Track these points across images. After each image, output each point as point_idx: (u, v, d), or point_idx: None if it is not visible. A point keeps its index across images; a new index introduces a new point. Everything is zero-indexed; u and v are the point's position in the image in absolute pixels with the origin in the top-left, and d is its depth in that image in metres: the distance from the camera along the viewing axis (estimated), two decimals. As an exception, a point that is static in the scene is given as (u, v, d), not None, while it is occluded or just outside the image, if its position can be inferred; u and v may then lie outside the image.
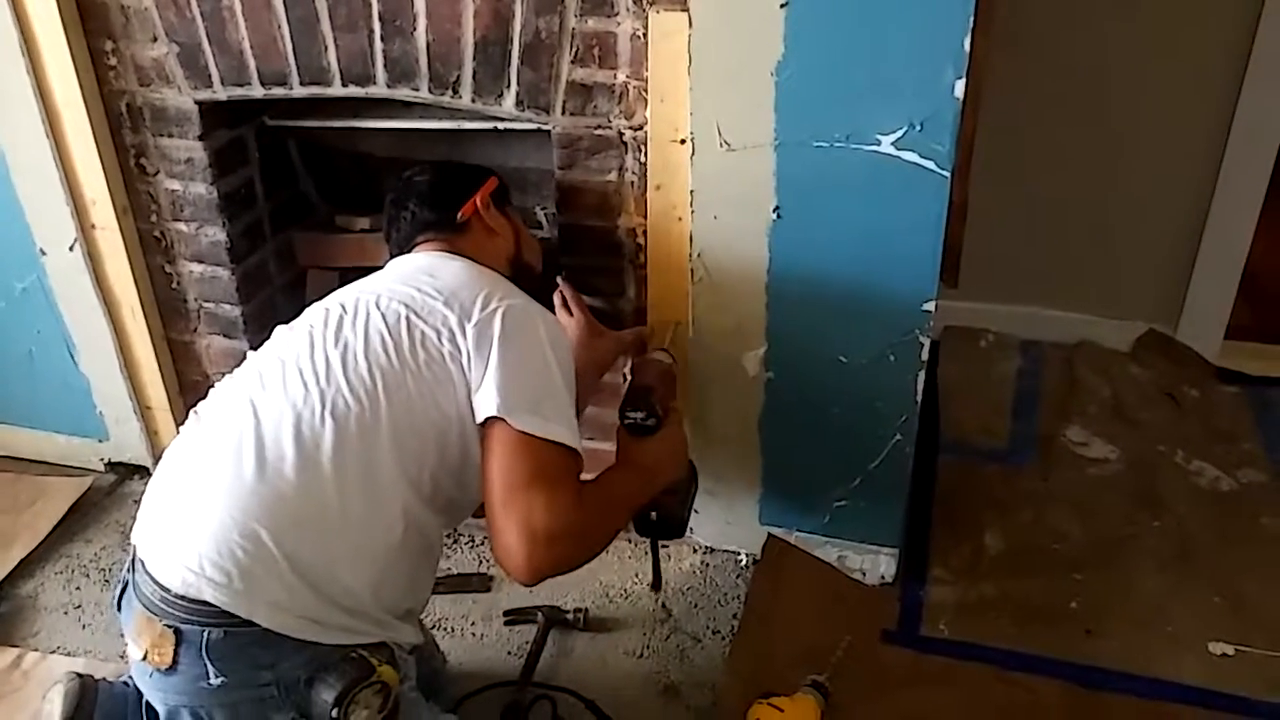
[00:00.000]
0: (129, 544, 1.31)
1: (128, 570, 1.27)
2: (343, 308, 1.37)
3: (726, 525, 1.90)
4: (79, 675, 1.39)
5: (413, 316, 1.33)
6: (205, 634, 1.17)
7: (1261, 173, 2.31)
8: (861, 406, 1.70)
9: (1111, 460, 2.20)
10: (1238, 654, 1.72)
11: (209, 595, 1.16)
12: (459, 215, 1.53)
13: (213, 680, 1.18)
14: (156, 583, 1.20)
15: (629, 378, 1.73)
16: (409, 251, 1.53)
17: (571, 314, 1.71)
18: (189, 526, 1.21)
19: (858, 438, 1.73)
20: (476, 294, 1.35)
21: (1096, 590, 1.85)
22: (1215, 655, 1.72)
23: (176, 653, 1.18)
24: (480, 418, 1.28)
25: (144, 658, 1.21)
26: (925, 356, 1.62)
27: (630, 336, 1.75)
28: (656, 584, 1.74)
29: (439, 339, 1.31)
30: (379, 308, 1.35)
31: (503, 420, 1.26)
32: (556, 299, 1.74)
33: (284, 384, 1.28)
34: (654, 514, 1.55)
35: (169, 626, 1.18)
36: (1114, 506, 2.06)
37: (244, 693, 1.19)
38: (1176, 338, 2.52)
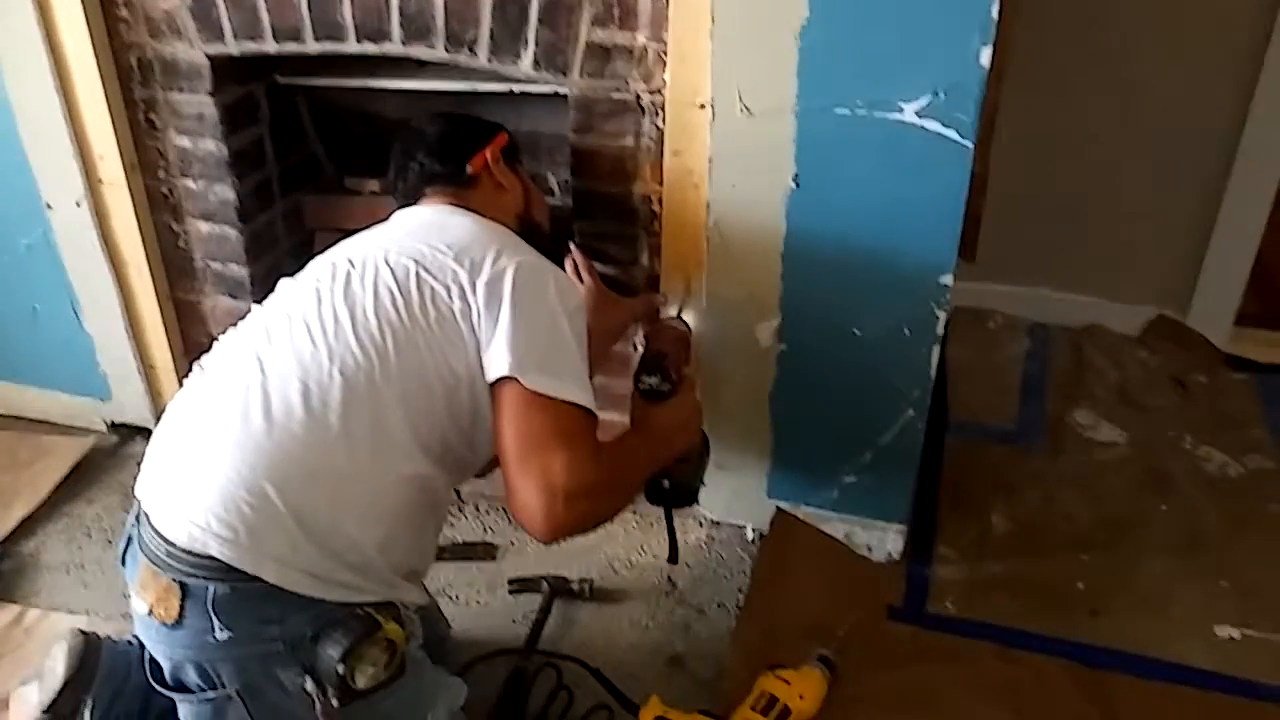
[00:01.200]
0: (131, 503, 1.29)
1: (132, 524, 1.26)
2: (350, 263, 1.34)
3: (734, 498, 1.89)
4: (83, 632, 1.38)
5: (422, 272, 1.30)
6: (211, 589, 1.16)
7: (1276, 162, 2.29)
8: (875, 381, 1.68)
9: (1119, 444, 2.20)
10: (1243, 638, 1.71)
11: (215, 550, 1.15)
12: (468, 169, 1.50)
13: (218, 635, 1.16)
14: (162, 537, 1.18)
15: (643, 343, 1.71)
16: (415, 204, 1.50)
17: (583, 280, 1.70)
18: (195, 481, 1.19)
19: (870, 413, 1.72)
20: (487, 250, 1.33)
21: (1103, 572, 1.84)
22: (1221, 638, 1.71)
23: (182, 607, 1.17)
24: (492, 377, 1.26)
25: (149, 612, 1.19)
26: (941, 331, 1.61)
27: (641, 304, 1.73)
28: (673, 556, 1.67)
29: (449, 295, 1.28)
30: (388, 263, 1.32)
31: (515, 380, 1.24)
32: (568, 265, 1.71)
33: (291, 339, 1.26)
34: (666, 482, 1.53)
35: (175, 581, 1.17)
36: (1121, 490, 2.06)
37: (250, 648, 1.18)
38: (1186, 323, 2.51)
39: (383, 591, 1.26)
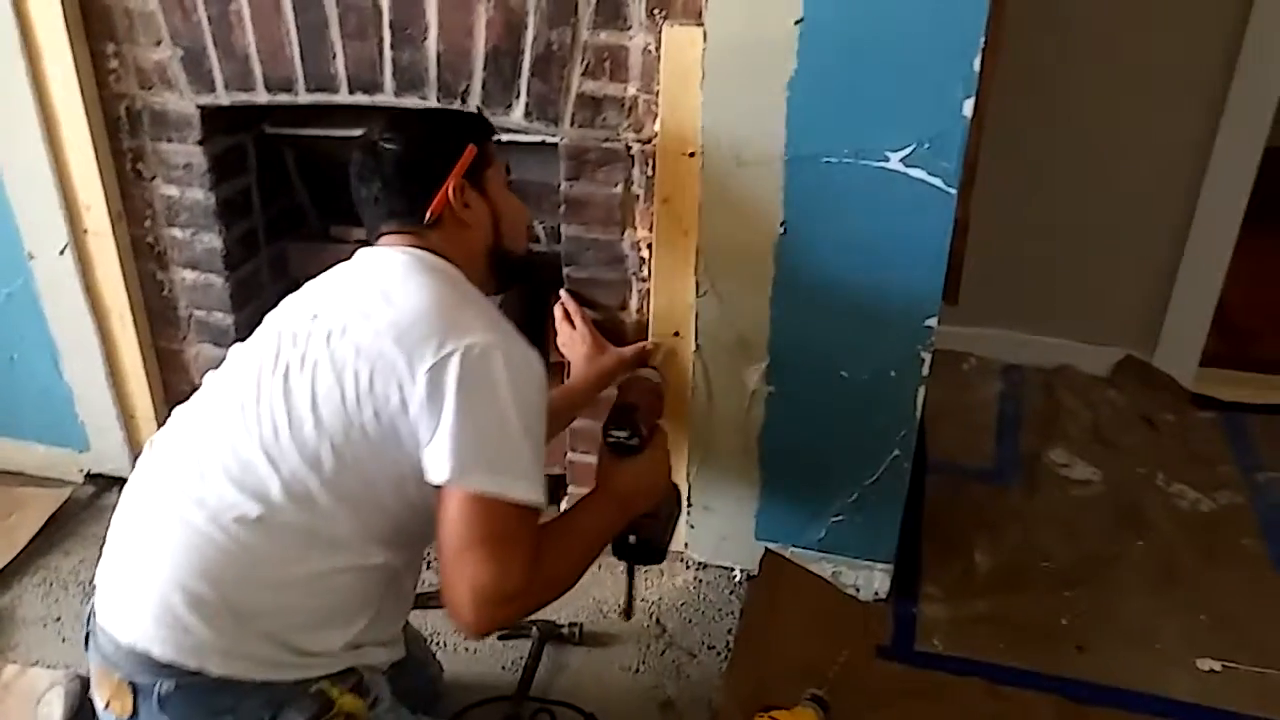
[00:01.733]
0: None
1: (88, 618, 1.25)
2: (294, 342, 1.25)
3: (722, 540, 1.90)
4: (80, 676, 1.35)
5: (361, 366, 1.20)
6: (158, 686, 1.15)
7: (1235, 210, 2.38)
8: (862, 422, 1.71)
9: (1094, 481, 2.24)
10: (1225, 670, 1.75)
11: (156, 652, 1.14)
12: (427, 215, 1.33)
13: None
14: (108, 634, 1.18)
15: (615, 394, 1.64)
16: (376, 239, 1.37)
17: (574, 327, 1.70)
18: (135, 580, 1.18)
19: (857, 453, 1.75)
20: (431, 331, 1.20)
21: (1085, 608, 1.87)
22: (1203, 671, 1.75)
23: (135, 703, 1.16)
24: (433, 480, 1.19)
25: (106, 706, 1.19)
26: (926, 372, 1.64)
27: (631, 353, 1.74)
28: (628, 612, 1.61)
29: (387, 390, 1.18)
30: (329, 352, 1.22)
31: (453, 480, 1.18)
32: (558, 311, 1.72)
33: (232, 439, 1.21)
34: (632, 537, 1.47)
35: (125, 680, 1.16)
36: (1099, 526, 2.10)
37: None
38: (1153, 364, 2.57)
39: (342, 661, 1.24)
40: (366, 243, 1.37)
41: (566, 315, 1.71)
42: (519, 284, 1.55)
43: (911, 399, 1.67)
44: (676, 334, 1.73)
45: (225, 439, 1.22)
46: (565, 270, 1.77)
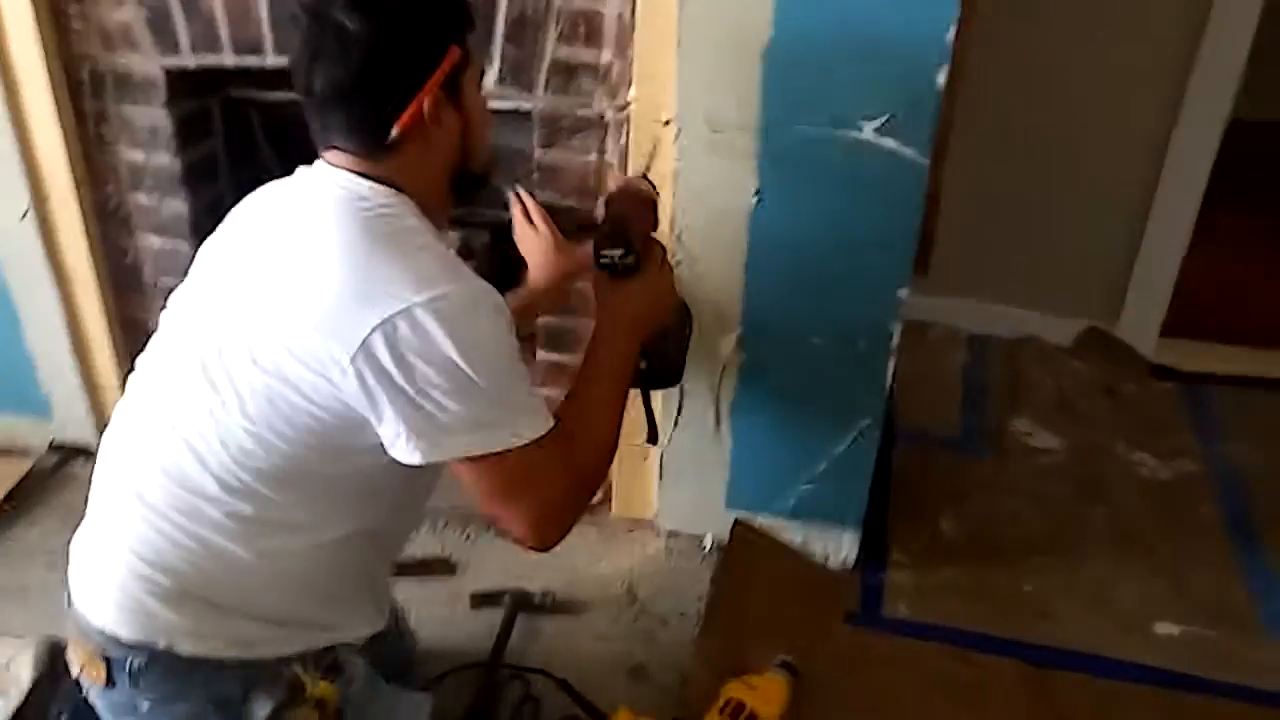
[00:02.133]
0: (72, 525, 1.25)
1: (67, 582, 1.23)
2: (218, 329, 1.15)
3: (693, 508, 1.92)
4: (49, 640, 1.34)
5: (284, 361, 1.09)
6: (130, 660, 1.14)
7: (1197, 182, 2.41)
8: (832, 391, 1.73)
9: (1057, 450, 2.28)
10: (1182, 633, 1.80)
11: (123, 634, 1.14)
12: (392, 133, 1.12)
13: (142, 704, 1.15)
14: (78, 611, 1.18)
15: (603, 209, 1.45)
16: (323, 151, 1.18)
17: (534, 226, 1.55)
18: (99, 564, 1.17)
19: (827, 422, 1.77)
20: (352, 306, 1.07)
21: (1048, 574, 1.92)
22: (1160, 635, 1.80)
23: (109, 673, 1.15)
24: (405, 462, 1.11)
25: (80, 671, 1.19)
26: (895, 342, 1.66)
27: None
28: (653, 436, 1.51)
29: (316, 382, 1.09)
30: (251, 340, 1.11)
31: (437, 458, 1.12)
32: (516, 210, 1.56)
33: (164, 434, 1.15)
34: (644, 363, 1.38)
35: (97, 652, 1.16)
36: (1062, 494, 2.14)
37: (180, 710, 1.16)
38: (1116, 335, 2.62)
39: (319, 638, 1.22)
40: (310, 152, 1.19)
41: (525, 213, 1.55)
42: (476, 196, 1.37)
43: (882, 369, 1.69)
44: (653, 150, 1.64)
45: (160, 434, 1.16)
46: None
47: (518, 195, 1.55)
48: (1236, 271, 2.97)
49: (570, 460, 1.18)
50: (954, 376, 2.56)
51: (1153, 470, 2.22)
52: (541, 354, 1.88)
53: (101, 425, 2.06)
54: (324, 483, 1.17)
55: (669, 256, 1.42)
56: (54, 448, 2.13)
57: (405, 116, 1.12)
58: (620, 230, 1.30)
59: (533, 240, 1.55)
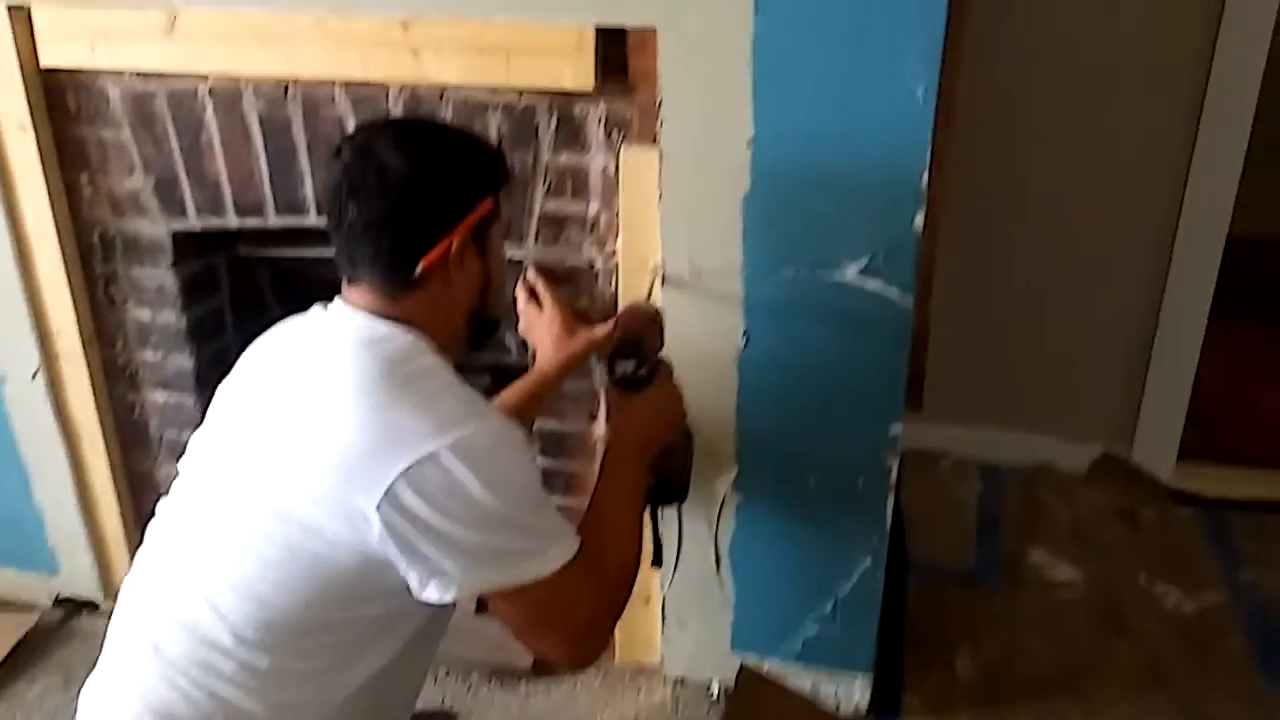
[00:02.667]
0: (73, 685, 1.26)
1: None
2: (236, 478, 1.17)
3: (697, 652, 1.87)
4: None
5: (311, 519, 1.10)
6: None
7: (1202, 301, 2.40)
8: (832, 531, 1.71)
9: (1076, 583, 2.22)
10: (1214, 778, 1.71)
11: None
12: (417, 269, 1.16)
13: None
14: None
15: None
16: (347, 283, 1.22)
17: (541, 307, 1.53)
18: (113, 713, 1.16)
19: (828, 562, 1.74)
20: (374, 453, 1.08)
21: (1069, 717, 1.84)
22: (1192, 780, 1.71)
23: None
24: (436, 602, 1.12)
25: None
26: (893, 480, 1.64)
27: (603, 332, 1.50)
28: (658, 558, 1.55)
29: (340, 530, 1.09)
30: (270, 491, 1.12)
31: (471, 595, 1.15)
32: (522, 294, 1.55)
33: (179, 583, 1.17)
34: (651, 478, 1.39)
35: None
36: (1082, 629, 2.07)
37: None
38: (1132, 460, 2.57)
39: None
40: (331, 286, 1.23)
41: (532, 296, 1.54)
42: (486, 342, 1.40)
43: (881, 507, 1.67)
44: (657, 273, 1.63)
45: (178, 585, 1.17)
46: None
47: (524, 278, 1.55)
48: (1252, 391, 2.94)
49: (598, 576, 1.20)
50: (967, 507, 2.51)
51: (1176, 602, 2.14)
52: (540, 460, 1.84)
53: (106, 580, 2.07)
54: (340, 629, 1.15)
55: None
56: (59, 602, 2.12)
57: (432, 256, 1.16)
58: (634, 344, 1.37)
59: (541, 321, 1.53)
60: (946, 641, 2.02)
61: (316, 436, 1.11)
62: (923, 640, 2.03)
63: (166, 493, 1.27)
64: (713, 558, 1.77)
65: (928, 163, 1.43)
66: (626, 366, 1.35)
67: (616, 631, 1.86)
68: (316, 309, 1.25)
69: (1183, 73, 2.21)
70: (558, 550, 1.15)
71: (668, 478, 1.46)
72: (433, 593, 1.11)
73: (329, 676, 1.16)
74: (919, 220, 1.46)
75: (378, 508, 1.07)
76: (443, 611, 1.21)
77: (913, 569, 2.25)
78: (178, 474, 1.27)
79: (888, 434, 1.61)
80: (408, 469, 1.06)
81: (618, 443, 1.34)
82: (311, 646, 1.15)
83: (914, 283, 1.51)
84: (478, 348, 1.35)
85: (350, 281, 1.21)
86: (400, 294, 1.18)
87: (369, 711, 1.22)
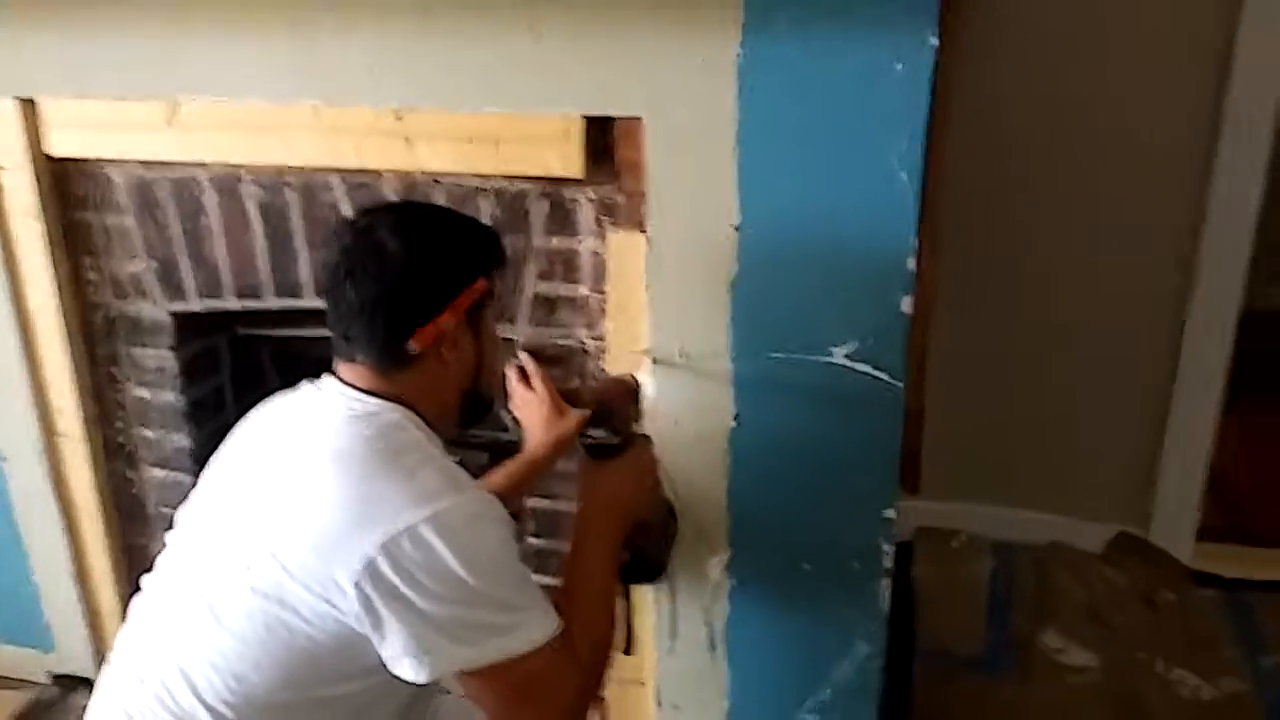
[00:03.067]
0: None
1: None
2: (216, 557, 1.18)
3: (693, 742, 1.82)
4: None
5: (288, 594, 1.11)
6: None
7: (1216, 376, 2.36)
8: (827, 615, 1.67)
9: (1091, 668, 2.15)
10: None
11: None
12: (411, 347, 1.18)
13: None
14: None
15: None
16: (335, 367, 1.25)
17: (532, 388, 1.53)
18: None
19: (825, 647, 1.69)
20: (351, 530, 1.09)
21: (1083, 813, 1.77)
22: None
23: None
24: (410, 680, 1.11)
25: None
26: (889, 564, 1.61)
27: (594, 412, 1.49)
28: (628, 647, 1.51)
29: (318, 606, 1.10)
30: (251, 571, 1.13)
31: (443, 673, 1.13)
32: (512, 374, 1.55)
33: (160, 658, 1.17)
34: (625, 554, 1.37)
35: None
36: (1096, 718, 2.00)
37: None
38: (1149, 539, 2.51)
39: None
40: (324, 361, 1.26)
41: (523, 377, 1.54)
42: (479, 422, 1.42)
43: (877, 591, 1.63)
44: (646, 352, 1.61)
45: (156, 660, 1.17)
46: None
47: (515, 359, 1.57)
48: (1272, 468, 2.87)
49: (572, 654, 1.17)
50: (979, 586, 2.45)
51: (1194, 689, 2.07)
52: (531, 540, 1.84)
53: (101, 656, 2.06)
54: (319, 708, 1.15)
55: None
56: (55, 680, 2.12)
57: (425, 335, 1.18)
58: (604, 412, 1.38)
59: (531, 402, 1.54)
60: (954, 730, 1.97)
61: (297, 510, 1.12)
62: (930, 728, 1.97)
63: (150, 569, 1.28)
64: (706, 639, 1.74)
65: (915, 246, 1.42)
66: (597, 434, 1.35)
67: (609, 717, 1.85)
68: (306, 385, 1.27)
69: (1189, 142, 2.20)
70: (534, 627, 1.14)
71: (643, 554, 1.45)
72: (407, 670, 1.10)
73: None
74: (907, 303, 1.45)
75: (355, 583, 1.07)
76: (424, 690, 1.20)
77: (921, 652, 2.20)
78: (164, 548, 1.28)
79: (881, 516, 1.58)
80: (385, 542, 1.07)
81: (586, 509, 1.33)
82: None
83: (905, 365, 1.49)
84: (470, 425, 1.36)
85: (344, 359, 1.23)
86: (393, 372, 1.20)
87: None
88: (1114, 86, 2.20)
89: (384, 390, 1.20)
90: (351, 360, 1.22)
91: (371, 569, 1.07)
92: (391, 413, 1.19)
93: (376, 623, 1.08)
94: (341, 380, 1.22)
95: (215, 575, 1.16)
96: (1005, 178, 2.28)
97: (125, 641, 1.24)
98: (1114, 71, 2.19)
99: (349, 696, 1.16)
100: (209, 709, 1.12)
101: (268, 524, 1.14)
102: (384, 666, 1.11)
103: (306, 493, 1.13)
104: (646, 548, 1.46)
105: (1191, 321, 2.34)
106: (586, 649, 1.20)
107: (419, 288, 1.18)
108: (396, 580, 1.07)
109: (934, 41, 1.33)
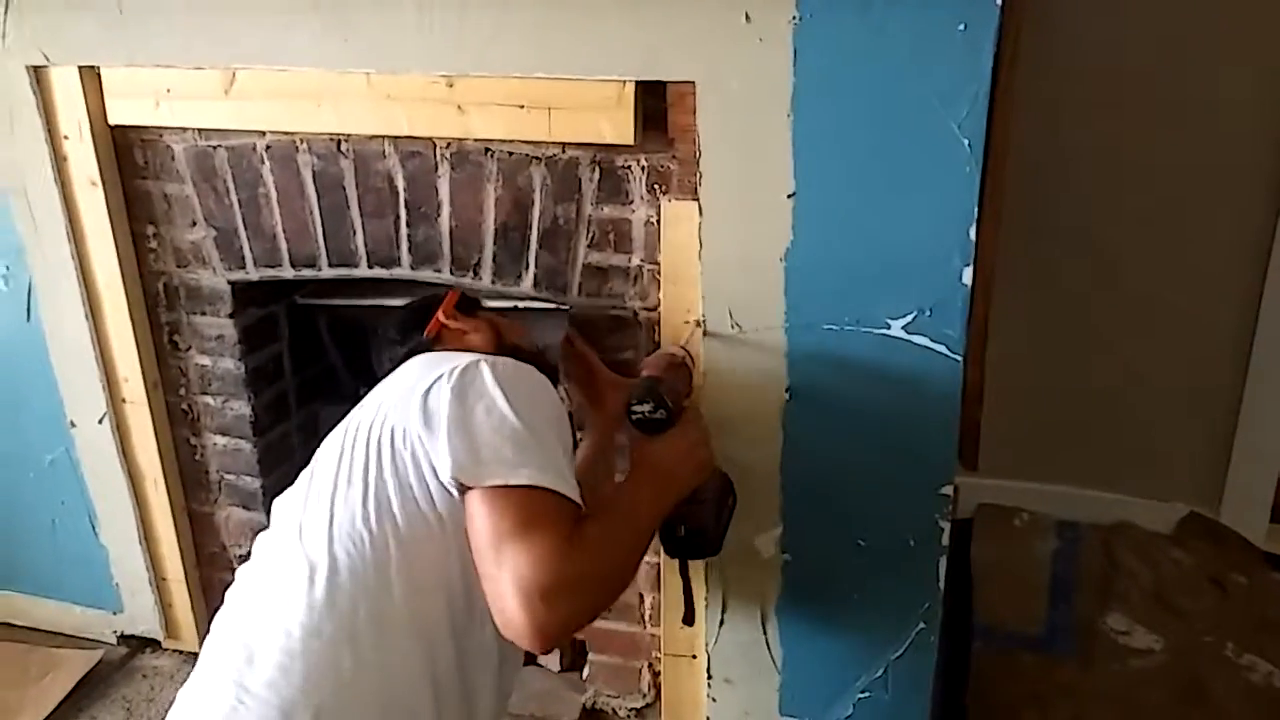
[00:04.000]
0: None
1: None
2: (341, 457, 1.28)
3: (745, 716, 1.81)
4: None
5: (393, 434, 1.25)
6: None
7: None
8: (882, 592, 1.64)
9: (1156, 651, 2.09)
10: None
11: None
12: (426, 333, 1.52)
13: None
14: None
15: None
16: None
17: (582, 366, 1.63)
18: None
19: (879, 625, 1.67)
20: (432, 373, 1.26)
21: (1144, 799, 1.73)
22: None
23: None
24: (445, 480, 1.19)
25: None
26: (946, 541, 1.57)
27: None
28: (689, 617, 1.52)
29: (412, 453, 1.23)
30: (368, 441, 1.26)
31: (469, 484, 1.18)
32: (564, 348, 1.64)
33: (286, 597, 1.21)
34: (681, 528, 1.39)
35: None
36: (1160, 704, 1.95)
37: None
38: (1220, 520, 2.43)
39: None
40: None
41: (574, 354, 1.64)
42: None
43: (934, 570, 1.60)
44: (699, 322, 1.60)
45: (278, 606, 1.21)
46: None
47: (569, 339, 1.63)
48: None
49: (580, 545, 1.14)
50: (1041, 566, 2.40)
51: (1265, 676, 2.00)
52: None
53: (168, 618, 2.12)
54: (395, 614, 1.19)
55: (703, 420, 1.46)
56: (122, 639, 2.18)
57: (431, 324, 1.54)
58: (650, 387, 1.36)
59: (584, 379, 1.63)
60: (1012, 712, 1.92)
61: (388, 394, 1.30)
62: (986, 709, 1.93)
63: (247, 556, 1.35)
64: (758, 616, 1.73)
65: (976, 214, 1.38)
66: (642, 409, 1.34)
67: (661, 688, 1.84)
68: None
69: (1267, 121, 2.11)
70: (555, 478, 1.18)
71: (699, 529, 1.43)
72: (441, 465, 1.19)
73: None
74: (968, 274, 1.41)
75: (421, 401, 1.22)
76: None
77: (979, 632, 2.16)
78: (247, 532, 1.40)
79: (938, 492, 1.55)
80: (448, 370, 1.25)
81: (634, 477, 1.34)
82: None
83: (964, 338, 1.45)
84: None
85: None
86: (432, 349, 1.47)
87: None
88: (1190, 54, 2.10)
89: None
90: None
91: (432, 389, 1.23)
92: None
93: (427, 430, 1.20)
94: None
95: (324, 471, 1.28)
96: (1072, 147, 2.20)
97: (224, 620, 1.28)
98: (1190, 38, 2.09)
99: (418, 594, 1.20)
100: (334, 561, 1.19)
101: (366, 416, 1.29)
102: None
103: (396, 383, 1.32)
104: (701, 520, 1.44)
105: (1267, 298, 2.25)
106: (596, 547, 1.17)
107: (411, 315, 1.61)
108: (448, 393, 1.22)
109: (998, 0, 1.28)
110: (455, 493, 1.19)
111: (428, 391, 1.23)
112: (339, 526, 1.21)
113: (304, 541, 1.23)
